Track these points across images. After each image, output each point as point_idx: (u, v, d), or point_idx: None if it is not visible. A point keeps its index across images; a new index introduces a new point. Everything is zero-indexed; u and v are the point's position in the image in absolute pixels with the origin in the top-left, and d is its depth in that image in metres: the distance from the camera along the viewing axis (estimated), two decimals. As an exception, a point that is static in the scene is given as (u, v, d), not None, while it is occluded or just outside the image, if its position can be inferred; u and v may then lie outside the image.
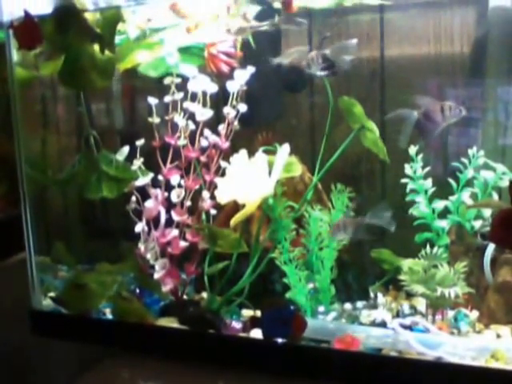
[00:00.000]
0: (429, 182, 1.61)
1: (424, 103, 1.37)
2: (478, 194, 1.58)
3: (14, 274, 1.94)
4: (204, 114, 1.62)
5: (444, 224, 1.59)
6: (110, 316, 1.70)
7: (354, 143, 1.54)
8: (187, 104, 1.63)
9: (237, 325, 1.56)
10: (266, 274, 1.59)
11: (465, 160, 1.58)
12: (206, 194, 1.65)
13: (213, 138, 1.64)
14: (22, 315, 1.75)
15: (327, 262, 1.57)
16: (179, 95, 1.63)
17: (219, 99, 1.67)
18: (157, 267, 1.64)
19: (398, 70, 1.68)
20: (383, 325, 1.48)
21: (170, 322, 1.62)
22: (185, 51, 1.69)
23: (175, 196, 1.64)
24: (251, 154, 1.54)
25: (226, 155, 1.62)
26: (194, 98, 1.62)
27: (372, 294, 1.64)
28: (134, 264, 1.70)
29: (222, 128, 1.65)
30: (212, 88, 1.63)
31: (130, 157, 1.70)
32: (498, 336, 1.44)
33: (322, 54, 1.44)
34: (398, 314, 1.54)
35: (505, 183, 1.52)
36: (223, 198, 1.56)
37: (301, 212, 1.59)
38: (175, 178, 1.64)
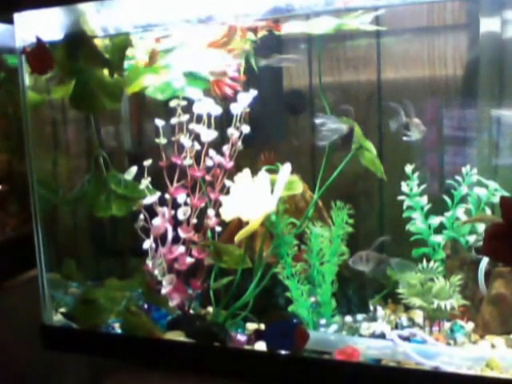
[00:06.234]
0: (424, 199, 1.65)
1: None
2: (472, 210, 1.61)
3: (26, 290, 1.95)
4: (209, 135, 1.66)
5: (440, 239, 1.62)
6: (118, 330, 1.72)
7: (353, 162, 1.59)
8: (193, 125, 1.66)
9: (242, 338, 1.58)
10: (269, 289, 1.62)
11: (459, 178, 1.62)
12: (211, 212, 1.69)
13: (217, 158, 1.68)
14: (34, 330, 1.77)
15: (328, 277, 1.58)
16: (185, 117, 1.66)
17: (223, 121, 1.71)
18: (164, 283, 1.67)
19: (393, 93, 1.73)
20: (382, 336, 1.50)
21: (177, 336, 1.64)
22: (190, 75, 1.73)
23: (182, 214, 1.67)
24: (254, 173, 1.58)
25: (231, 174, 1.66)
26: (199, 119, 1.66)
27: (372, 307, 1.66)
28: (142, 280, 1.72)
29: (226, 148, 1.69)
30: (216, 110, 1.66)
31: (138, 176, 1.73)
32: (493, 346, 1.47)
33: None
34: (396, 326, 1.56)
35: (497, 199, 1.55)
36: (228, 215, 1.59)
37: (302, 228, 1.62)
38: (181, 197, 1.67)
